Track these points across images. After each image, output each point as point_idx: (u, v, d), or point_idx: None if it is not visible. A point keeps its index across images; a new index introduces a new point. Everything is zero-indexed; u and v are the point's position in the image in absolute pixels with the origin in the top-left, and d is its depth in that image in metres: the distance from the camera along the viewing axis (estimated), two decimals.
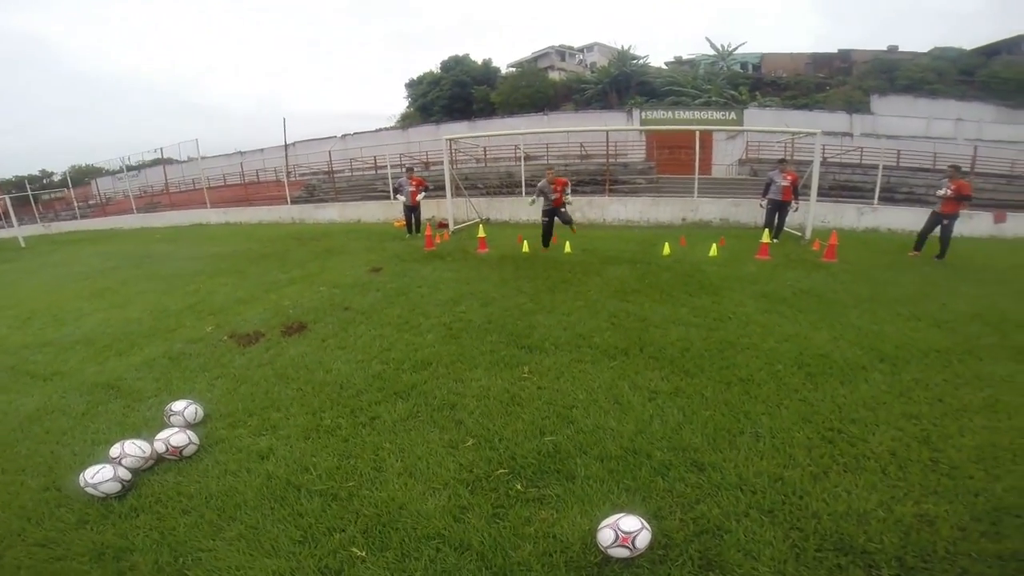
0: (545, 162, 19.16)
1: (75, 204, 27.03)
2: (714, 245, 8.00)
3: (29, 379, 4.07)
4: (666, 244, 8.08)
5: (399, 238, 10.73)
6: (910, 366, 3.63)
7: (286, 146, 30.49)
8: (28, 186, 29.77)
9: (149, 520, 2.24)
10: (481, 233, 8.97)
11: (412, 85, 38.48)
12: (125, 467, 2.49)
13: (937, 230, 8.13)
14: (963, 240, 11.03)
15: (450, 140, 11.72)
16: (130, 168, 32.38)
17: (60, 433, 3.11)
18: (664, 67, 34.29)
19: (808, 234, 9.57)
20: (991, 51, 29.31)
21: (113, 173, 33.62)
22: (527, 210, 13.09)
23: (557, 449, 2.61)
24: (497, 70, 37.80)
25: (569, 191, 9.47)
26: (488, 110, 32.50)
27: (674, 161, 18.16)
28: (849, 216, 12.02)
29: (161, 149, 27.99)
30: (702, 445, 2.63)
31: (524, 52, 49.08)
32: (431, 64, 47.19)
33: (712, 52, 31.61)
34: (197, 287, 7.17)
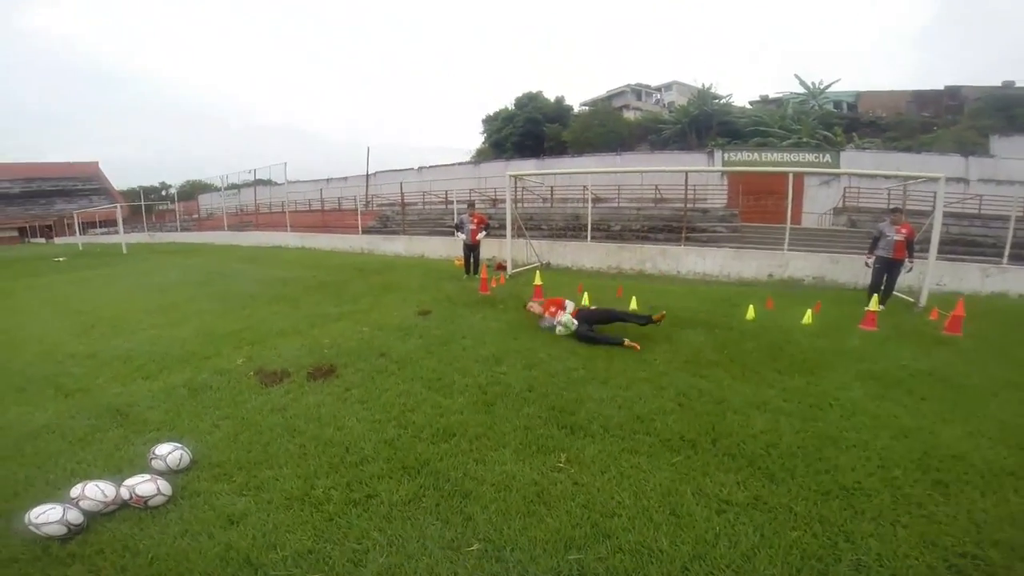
0: (615, 206, 18.56)
1: (178, 217, 29.87)
2: (808, 310, 6.84)
3: (54, 392, 4.25)
4: (750, 306, 7.02)
5: (456, 278, 10.42)
6: None
7: (367, 175, 32.24)
8: (143, 197, 33.60)
9: (80, 571, 2.09)
10: (538, 280, 8.39)
11: (488, 121, 39.76)
12: (81, 509, 2.34)
13: None
14: None
15: (514, 177, 11.44)
16: (231, 186, 35.64)
17: (47, 457, 3.09)
18: (748, 106, 32.99)
19: (924, 300, 8.09)
20: None
21: (217, 190, 37.16)
22: (591, 256, 12.48)
23: (583, 572, 2.00)
24: (570, 108, 38.22)
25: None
26: (559, 148, 32.66)
27: (760, 208, 16.82)
28: (971, 278, 10.18)
29: (255, 170, 30.62)
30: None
31: (599, 90, 49.55)
32: (508, 100, 48.94)
33: (802, 90, 30.03)
34: (250, 312, 7.26)
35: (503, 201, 22.29)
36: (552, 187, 19.03)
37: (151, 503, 2.45)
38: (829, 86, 29.51)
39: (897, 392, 4.08)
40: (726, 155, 21.87)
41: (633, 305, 7.31)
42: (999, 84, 28.27)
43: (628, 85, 42.86)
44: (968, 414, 3.63)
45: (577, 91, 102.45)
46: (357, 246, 18.07)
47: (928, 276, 8.37)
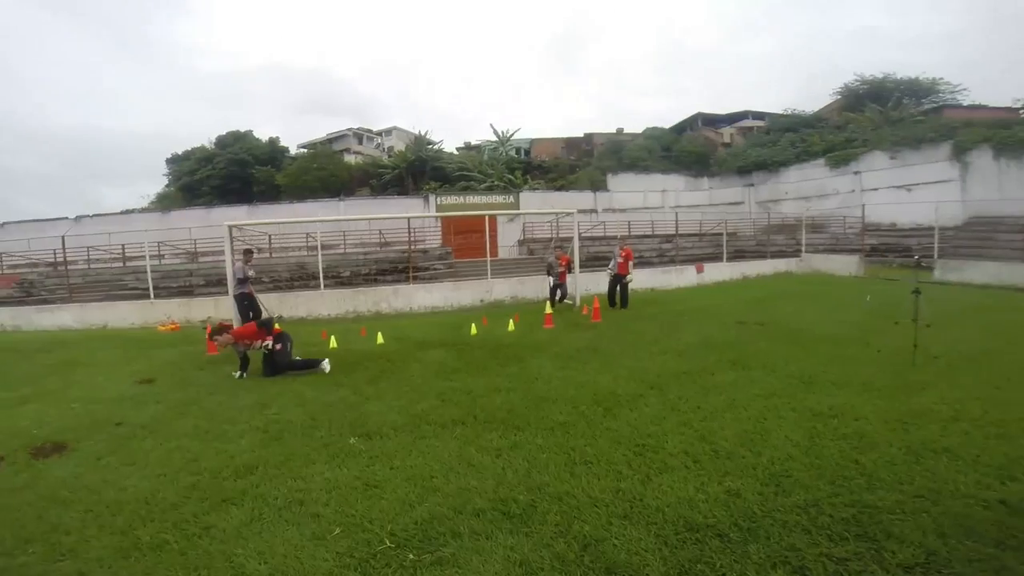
0: (342, 252, 18.85)
1: None
2: (511, 320, 9.04)
3: None
4: (472, 325, 8.78)
5: (171, 344, 9.07)
6: (671, 388, 4.89)
7: None
8: None
9: None
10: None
11: (176, 161, 33.78)
12: None
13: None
14: (682, 290, 14.76)
15: (231, 227, 10.75)
16: None
17: None
18: (455, 152, 37.36)
19: (578, 301, 11.52)
20: (680, 129, 40.02)
21: None
22: (327, 304, 12.61)
23: (433, 515, 2.67)
24: (285, 150, 35.99)
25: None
26: (271, 193, 30.32)
27: (468, 245, 19.92)
28: (602, 282, 14.54)
29: None
30: (551, 480, 3.04)
31: (319, 133, 48.29)
32: (202, 138, 42.52)
33: (494, 138, 35.62)
34: None
35: (205, 255, 19.71)
36: (270, 236, 17.91)
37: None
38: (513, 134, 35.82)
39: (573, 362, 6.15)
40: (439, 199, 24.87)
41: (380, 340, 8.09)
42: (615, 131, 38.83)
43: (350, 129, 43.05)
44: (611, 367, 5.80)
45: (295, 133, 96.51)
46: None
47: (578, 285, 11.93)
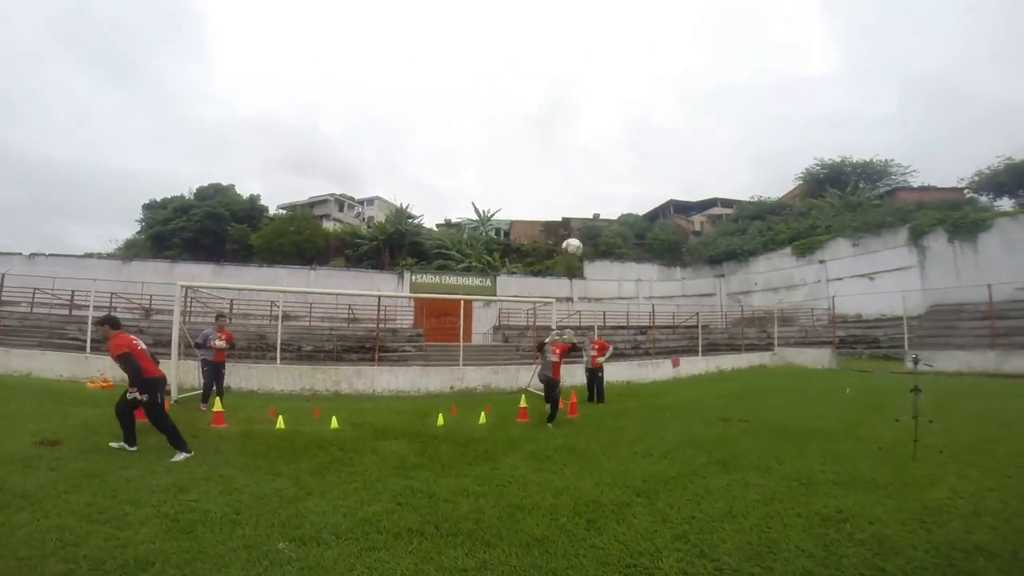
0: (307, 323, 17.99)
1: None
2: (482, 412, 8.33)
3: None
4: (439, 414, 8.06)
5: (94, 404, 8.05)
6: (660, 494, 4.31)
7: None
8: None
9: None
10: (218, 406, 7.43)
11: (152, 207, 32.61)
12: None
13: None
14: (658, 383, 14.30)
15: (186, 287, 10.08)
16: None
17: None
18: (435, 228, 37.40)
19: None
20: (652, 216, 41.13)
21: None
22: (281, 379, 11.68)
23: None
24: (264, 209, 35.43)
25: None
26: (244, 253, 29.23)
27: (440, 328, 19.33)
28: (579, 374, 14.08)
29: None
30: None
31: (301, 195, 48.15)
32: (183, 187, 41.91)
33: (475, 217, 35.82)
34: None
35: (162, 312, 18.47)
36: (232, 300, 17.01)
37: None
38: (494, 214, 36.21)
39: (549, 464, 5.46)
40: (414, 277, 24.50)
41: (334, 423, 7.27)
42: (591, 216, 39.64)
43: (332, 194, 43.18)
44: (592, 470, 5.16)
45: (277, 192, 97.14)
46: None
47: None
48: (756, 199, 36.75)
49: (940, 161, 65.14)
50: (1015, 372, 13.34)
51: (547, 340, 8.82)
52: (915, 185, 30.57)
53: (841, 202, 28.81)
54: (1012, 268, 17.44)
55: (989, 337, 15.37)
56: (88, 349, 12.38)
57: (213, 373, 8.55)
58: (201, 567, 2.78)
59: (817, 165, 34.20)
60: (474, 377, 12.91)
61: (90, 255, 26.89)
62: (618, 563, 3.00)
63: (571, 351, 8.84)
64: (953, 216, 20.95)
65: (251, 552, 3.01)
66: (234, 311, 17.89)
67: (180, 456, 5.19)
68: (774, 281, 27.60)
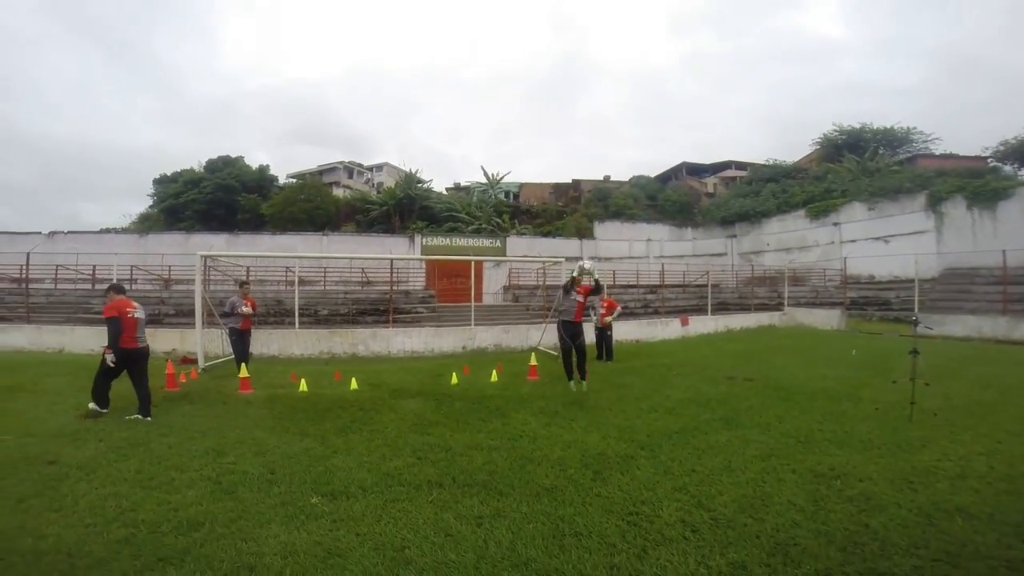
0: (322, 288, 18.38)
1: None
2: (494, 371, 8.64)
3: None
4: (453, 373, 8.38)
5: (125, 376, 8.44)
6: (663, 448, 4.57)
7: None
8: None
9: None
10: (244, 372, 7.80)
11: (163, 182, 33.00)
12: None
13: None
14: (667, 342, 14.56)
15: (205, 257, 10.36)
16: None
17: None
18: (445, 192, 37.33)
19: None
20: (665, 177, 40.79)
21: None
22: (301, 343, 12.11)
23: None
24: (274, 179, 35.61)
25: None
26: (255, 222, 29.60)
27: (452, 289, 19.60)
28: (589, 333, 14.29)
29: None
30: (539, 555, 2.70)
31: (310, 164, 47.91)
32: (192, 160, 42.15)
33: (484, 180, 35.68)
34: None
35: (181, 282, 19.01)
36: (248, 267, 17.40)
37: None
38: (503, 177, 35.99)
39: (559, 419, 5.74)
40: (425, 240, 24.66)
41: (354, 385, 7.61)
42: (602, 179, 39.31)
43: (341, 162, 43.09)
44: (599, 425, 5.45)
45: (285, 162, 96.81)
46: None
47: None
48: (771, 162, 36.00)
49: (964, 131, 63.13)
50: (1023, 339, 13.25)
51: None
52: (937, 153, 29.66)
53: (859, 167, 28.15)
54: None
55: (1002, 302, 15.21)
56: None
57: (242, 340, 8.84)
58: (245, 525, 3.06)
59: (835, 131, 33.27)
60: (485, 337, 13.25)
61: (106, 230, 27.36)
62: (621, 511, 3.26)
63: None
64: (974, 184, 20.56)
65: (288, 508, 3.30)
66: (250, 278, 18.19)
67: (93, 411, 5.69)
68: (787, 242, 27.33)
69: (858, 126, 32.13)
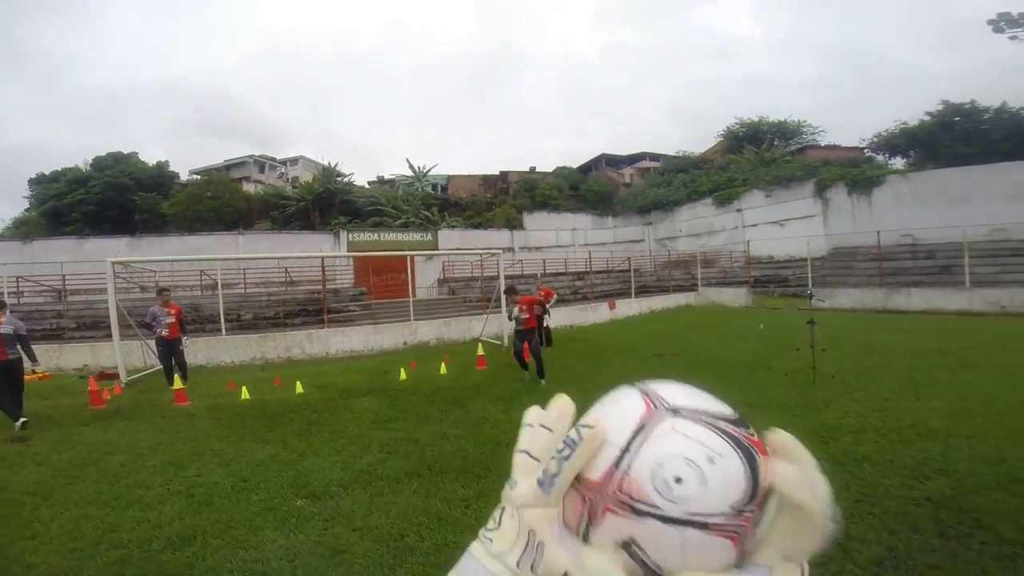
0: (243, 291, 17.28)
1: None
2: (442, 363, 8.82)
3: None
4: (401, 370, 8.44)
5: (39, 396, 7.67)
6: None
7: None
8: None
9: None
10: (178, 384, 7.39)
11: (41, 182, 29.02)
12: None
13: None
14: (597, 325, 15.43)
15: (114, 263, 9.48)
16: None
17: None
18: (367, 185, 35.96)
19: (506, 341, 11.56)
20: (585, 168, 42.34)
21: None
22: (230, 350, 11.48)
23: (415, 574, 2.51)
24: (175, 175, 32.37)
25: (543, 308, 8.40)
26: (156, 223, 27.04)
27: (384, 285, 19.19)
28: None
29: None
30: None
31: (215, 158, 44.03)
32: (76, 158, 36.92)
33: (410, 173, 34.57)
34: None
35: (77, 292, 17.01)
36: (156, 272, 15.90)
37: None
38: (430, 170, 34.89)
39: (514, 404, 6.06)
40: (351, 235, 23.76)
41: (299, 388, 7.46)
42: (528, 169, 39.79)
43: (251, 156, 39.97)
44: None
45: (187, 158, 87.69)
46: None
47: (505, 324, 11.95)
48: (681, 154, 38.77)
49: (847, 123, 70.62)
50: (898, 308, 15.55)
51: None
52: (822, 144, 33.86)
53: (757, 158, 31.07)
54: (899, 218, 19.86)
55: (878, 276, 17.67)
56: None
57: (168, 351, 8.32)
58: (238, 534, 3.08)
59: (737, 124, 36.62)
60: (426, 331, 13.29)
61: None
62: None
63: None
64: (852, 172, 23.60)
65: (274, 513, 3.34)
66: (160, 283, 16.71)
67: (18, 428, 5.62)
68: (697, 228, 29.69)
69: (756, 119, 35.57)
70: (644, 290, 22.02)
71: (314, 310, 14.87)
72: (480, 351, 9.33)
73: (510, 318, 8.09)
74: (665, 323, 15.08)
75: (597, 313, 17.15)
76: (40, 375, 9.80)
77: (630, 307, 18.63)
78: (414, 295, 17.45)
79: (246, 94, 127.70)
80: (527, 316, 7.64)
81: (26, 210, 30.63)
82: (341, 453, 4.55)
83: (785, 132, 34.89)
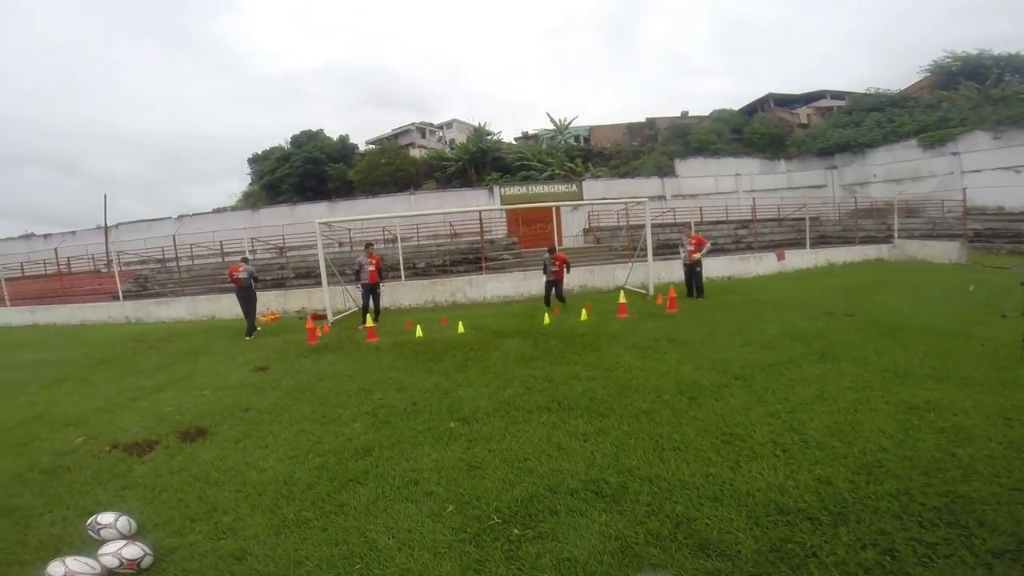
0: (416, 243, 19.81)
1: None
2: (583, 310, 9.18)
3: None
4: (545, 315, 9.04)
5: (273, 334, 10.09)
6: (756, 379, 4.86)
7: (106, 227, 26.70)
8: None
9: None
10: (369, 323, 9.01)
11: (257, 160, 36.33)
12: None
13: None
14: (761, 277, 14.16)
15: (322, 223, 11.67)
16: None
17: None
18: (514, 142, 37.25)
19: (651, 290, 11.43)
20: (750, 110, 37.78)
21: None
22: (408, 294, 13.40)
23: (531, 494, 2.95)
24: (355, 147, 37.63)
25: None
26: (345, 189, 31.94)
27: (533, 235, 20.20)
28: (678, 270, 14.28)
29: None
30: (640, 464, 3.24)
31: (382, 128, 50.06)
32: (278, 138, 45.53)
33: (551, 127, 35.29)
34: (31, 398, 6.23)
35: (291, 249, 21.44)
36: (350, 230, 19.18)
37: (143, 564, 2.44)
38: (571, 122, 35.30)
39: (651, 352, 6.19)
40: (503, 190, 25.18)
41: (461, 329, 8.49)
42: (679, 115, 37.00)
43: (413, 124, 44.48)
44: (692, 357, 5.81)
45: (359, 129, 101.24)
46: (119, 315, 14.94)
47: (651, 272, 11.81)
48: (873, 91, 31.73)
49: None
50: None
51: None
52: None
53: (980, 95, 24.58)
54: None
55: None
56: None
57: (369, 293, 10.06)
58: (404, 448, 3.83)
59: (948, 57, 28.97)
60: (571, 278, 13.62)
61: (220, 209, 30.80)
62: (716, 432, 3.68)
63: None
64: None
65: (433, 432, 4.08)
66: (353, 239, 20.12)
67: None
68: (896, 173, 24.62)
69: (975, 52, 27.73)
70: (823, 240, 19.33)
71: (474, 259, 16.36)
72: (622, 299, 9.43)
73: (544, 272, 10.84)
74: (846, 279, 13.24)
75: (762, 264, 15.69)
76: (271, 316, 12.76)
77: (804, 259, 16.62)
78: (560, 244, 17.93)
79: (398, 68, 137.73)
80: (556, 269, 10.40)
81: (249, 184, 38.23)
82: (489, 386, 5.24)
83: (1019, 66, 26.53)
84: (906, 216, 20.79)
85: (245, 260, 10.66)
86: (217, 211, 29.67)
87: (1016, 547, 2.19)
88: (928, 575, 2.08)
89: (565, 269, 10.72)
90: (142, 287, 18.54)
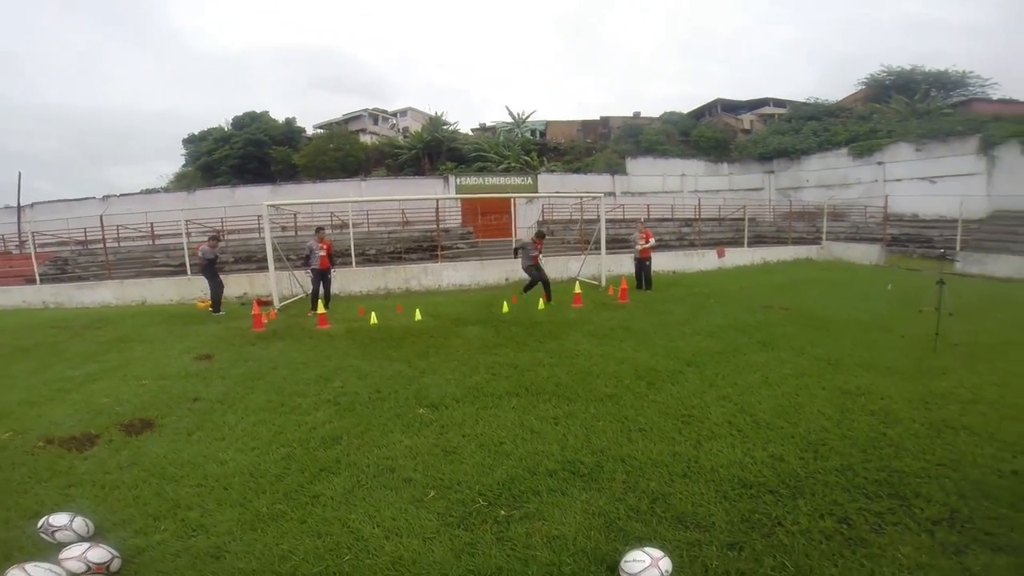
0: (366, 230, 19.23)
1: None
2: (540, 300, 9.37)
3: None
4: (503, 303, 9.12)
5: (212, 320, 9.53)
6: (707, 365, 5.23)
7: (19, 207, 24.13)
8: None
9: None
10: (320, 309, 8.72)
11: (193, 141, 33.98)
12: None
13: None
14: (703, 273, 14.93)
15: (271, 206, 11.11)
16: None
17: None
18: (471, 133, 37.02)
19: (603, 282, 11.80)
20: (698, 114, 39.43)
21: None
22: (359, 281, 13.06)
23: (511, 476, 3.02)
24: (302, 130, 36.07)
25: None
26: (289, 173, 30.57)
27: (488, 226, 20.18)
28: (627, 264, 14.62)
29: None
30: (611, 445, 3.41)
31: (334, 113, 48.07)
32: (217, 120, 42.74)
33: (510, 120, 35.29)
34: None
35: (231, 232, 20.21)
36: (296, 214, 18.32)
37: (112, 568, 2.28)
38: (528, 116, 35.41)
39: (608, 340, 6.47)
40: (459, 180, 24.95)
41: (418, 316, 8.43)
42: (631, 115, 38.14)
43: (365, 110, 42.93)
44: (647, 345, 6.13)
45: (309, 113, 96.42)
46: (35, 300, 13.51)
47: (603, 265, 12.17)
48: (813, 100, 34.09)
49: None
50: None
51: (526, 241, 10.89)
52: (994, 98, 27.37)
53: (908, 109, 26.74)
54: None
55: None
56: (188, 272, 13.89)
57: (319, 279, 9.65)
58: (374, 435, 3.77)
59: (883, 71, 31.28)
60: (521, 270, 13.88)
61: (150, 191, 28.74)
62: (675, 414, 3.94)
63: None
64: None
65: (401, 419, 4.05)
66: (299, 223, 19.30)
67: None
68: (827, 179, 26.64)
69: (908, 67, 30.17)
70: (759, 240, 20.56)
71: (428, 247, 16.16)
72: (577, 289, 9.71)
73: (514, 253, 11.11)
74: (780, 276, 14.18)
75: (704, 260, 16.54)
76: (201, 303, 11.99)
77: (742, 256, 17.65)
78: (515, 235, 18.06)
79: (355, 51, 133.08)
80: (536, 255, 10.17)
81: (183, 166, 35.88)
82: (454, 372, 5.25)
83: (945, 83, 29.04)
84: (833, 220, 22.48)
85: (215, 239, 10.62)
86: (148, 192, 27.55)
87: (950, 515, 2.51)
88: (882, 541, 2.34)
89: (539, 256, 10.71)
90: (61, 270, 16.90)
